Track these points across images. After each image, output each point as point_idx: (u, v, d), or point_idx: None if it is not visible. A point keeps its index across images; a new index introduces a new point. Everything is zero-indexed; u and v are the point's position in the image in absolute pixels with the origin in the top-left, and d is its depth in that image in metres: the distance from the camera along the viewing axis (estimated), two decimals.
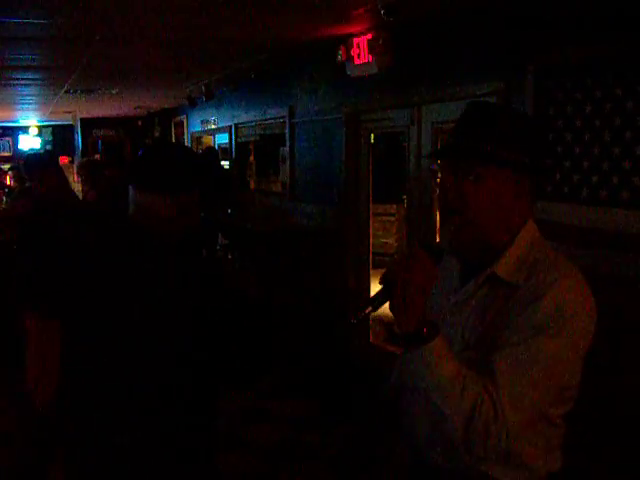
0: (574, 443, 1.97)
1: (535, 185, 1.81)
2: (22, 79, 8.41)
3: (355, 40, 5.59)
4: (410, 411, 1.91)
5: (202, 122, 11.71)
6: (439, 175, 1.83)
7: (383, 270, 1.70)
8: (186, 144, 12.58)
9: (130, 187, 2.25)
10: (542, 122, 1.89)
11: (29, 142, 18.00)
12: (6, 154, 18.11)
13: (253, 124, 9.34)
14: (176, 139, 13.94)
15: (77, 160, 15.04)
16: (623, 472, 3.63)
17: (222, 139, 11.19)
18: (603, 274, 3.66)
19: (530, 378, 1.59)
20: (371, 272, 6.69)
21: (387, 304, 1.66)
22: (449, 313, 1.82)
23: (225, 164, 10.73)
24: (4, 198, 8.38)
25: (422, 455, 1.88)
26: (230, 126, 10.19)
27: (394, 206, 9.61)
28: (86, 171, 7.63)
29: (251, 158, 10.41)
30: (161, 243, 2.24)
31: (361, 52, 5.54)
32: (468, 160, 1.72)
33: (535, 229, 1.83)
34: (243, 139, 10.03)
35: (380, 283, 1.65)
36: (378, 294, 1.65)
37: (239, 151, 10.22)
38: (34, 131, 17.98)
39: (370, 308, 1.64)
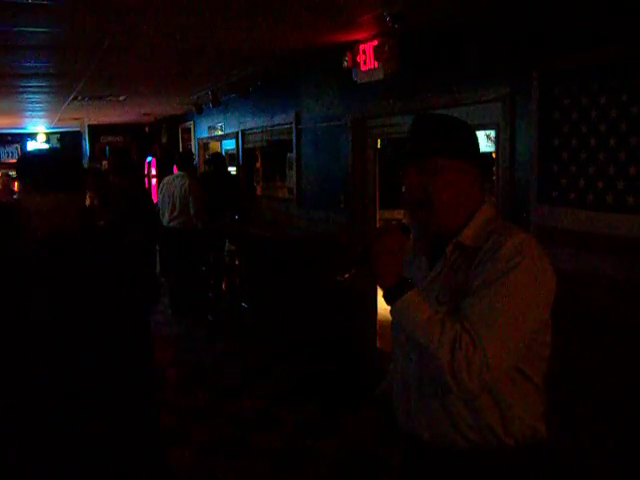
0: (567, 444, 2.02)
1: (483, 174, 2.11)
2: (30, 86, 8.46)
3: (361, 46, 5.61)
4: (399, 389, 2.14)
5: (209, 128, 11.75)
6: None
7: None
8: (193, 150, 12.65)
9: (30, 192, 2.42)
10: (467, 123, 2.18)
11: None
12: (14, 161, 18.17)
13: (260, 130, 9.36)
14: (183, 145, 14.00)
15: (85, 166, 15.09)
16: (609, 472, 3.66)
17: (229, 145, 11.22)
18: (608, 278, 3.68)
19: (500, 311, 1.81)
20: None
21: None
22: (425, 290, 2.00)
23: (232, 170, 10.77)
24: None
25: (410, 431, 2.09)
26: (237, 132, 10.21)
27: (401, 212, 9.60)
28: (89, 179, 7.69)
29: (258, 164, 10.44)
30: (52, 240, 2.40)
31: (367, 58, 5.56)
32: (427, 158, 2.00)
33: (491, 210, 2.08)
34: (250, 145, 10.05)
35: (361, 250, 1.96)
36: (359, 259, 1.96)
37: (246, 157, 10.24)
38: (42, 138, 18.01)
39: (354, 270, 1.96)
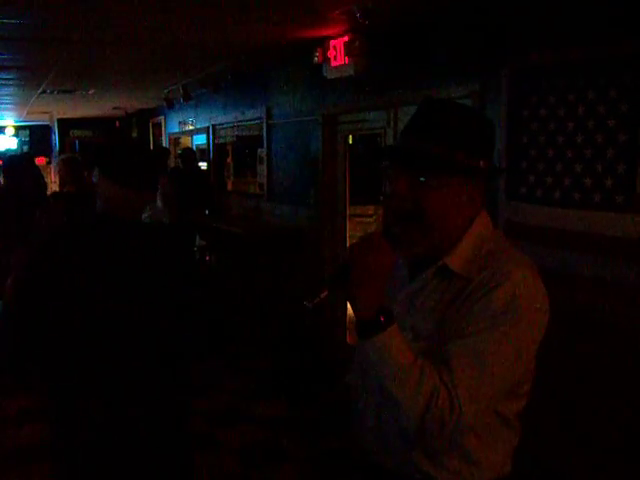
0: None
1: (487, 184, 1.76)
2: None
3: (332, 42, 5.61)
4: (359, 410, 1.88)
5: (180, 123, 11.68)
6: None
7: None
8: (164, 145, 12.56)
9: (105, 181, 2.50)
10: (492, 123, 1.80)
11: (6, 142, 17.82)
12: None
13: (231, 125, 9.34)
14: (154, 140, 13.89)
15: (55, 161, 14.93)
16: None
17: (200, 140, 11.16)
18: (575, 275, 3.72)
19: (488, 370, 1.55)
20: None
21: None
22: (399, 306, 1.74)
23: (203, 165, 10.72)
24: None
25: (369, 455, 1.84)
26: (208, 127, 10.18)
27: (372, 207, 9.63)
28: (68, 168, 7.56)
29: (229, 159, 10.40)
30: (130, 232, 2.51)
31: (338, 54, 5.55)
32: (424, 165, 1.65)
33: (487, 221, 1.77)
34: (221, 140, 10.02)
35: (338, 266, 1.59)
36: (335, 277, 1.58)
37: (217, 152, 10.21)
38: (11, 131, 17.80)
39: (326, 292, 1.55)
